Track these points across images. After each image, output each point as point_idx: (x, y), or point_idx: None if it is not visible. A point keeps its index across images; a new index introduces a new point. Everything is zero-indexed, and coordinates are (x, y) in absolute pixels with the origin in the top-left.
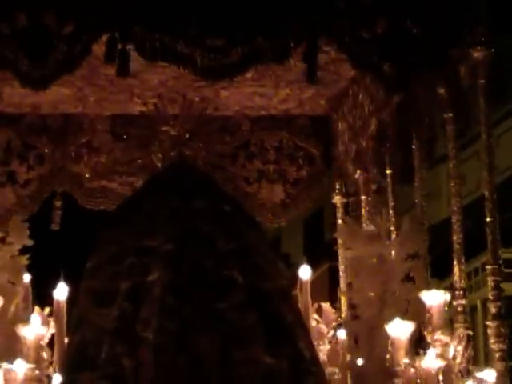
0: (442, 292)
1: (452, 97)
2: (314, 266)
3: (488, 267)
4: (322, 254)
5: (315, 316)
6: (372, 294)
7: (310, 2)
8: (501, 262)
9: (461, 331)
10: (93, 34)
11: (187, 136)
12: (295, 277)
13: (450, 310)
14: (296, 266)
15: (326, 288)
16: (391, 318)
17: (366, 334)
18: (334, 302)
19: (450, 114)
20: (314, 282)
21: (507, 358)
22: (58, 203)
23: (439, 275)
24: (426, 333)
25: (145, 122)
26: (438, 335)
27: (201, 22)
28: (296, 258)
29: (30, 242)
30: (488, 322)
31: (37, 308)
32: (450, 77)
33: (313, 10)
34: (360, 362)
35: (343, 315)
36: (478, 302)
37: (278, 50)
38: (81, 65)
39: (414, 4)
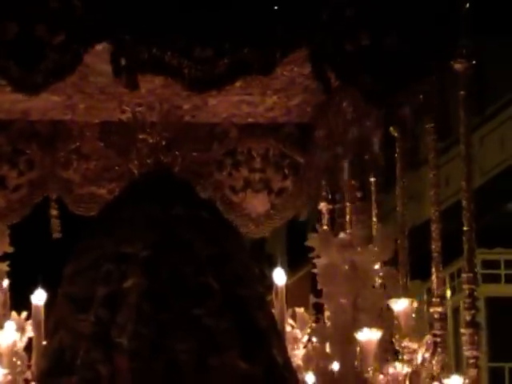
0: (409, 300)
1: (433, 108)
2: (297, 267)
3: (463, 275)
4: (305, 255)
5: (290, 321)
6: (344, 300)
7: (296, 14)
8: (476, 270)
9: (428, 337)
10: (82, 44)
11: (164, 144)
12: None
13: (428, 316)
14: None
15: (309, 289)
16: (363, 325)
17: (338, 341)
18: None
19: (431, 125)
20: (297, 283)
21: (480, 365)
22: (55, 212)
23: (421, 277)
24: (393, 340)
25: (125, 130)
26: (406, 342)
27: (188, 33)
28: (279, 259)
29: (10, 249)
30: (462, 330)
31: (13, 313)
32: (431, 88)
33: (298, 22)
34: (334, 367)
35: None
36: (449, 310)
37: (264, 62)
38: (72, 74)
39: (397, 17)
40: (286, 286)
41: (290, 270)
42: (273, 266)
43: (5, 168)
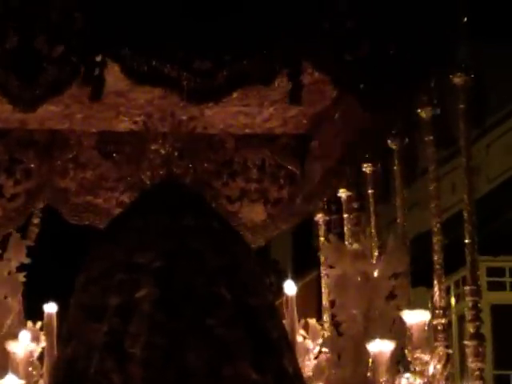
0: (422, 311)
1: (433, 120)
2: (302, 273)
3: (466, 288)
4: (310, 260)
5: (302, 332)
6: (356, 311)
7: (296, 24)
8: (479, 281)
9: (440, 349)
10: (82, 57)
11: (176, 154)
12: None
13: (431, 328)
14: (285, 273)
15: (315, 295)
16: (375, 336)
17: (350, 351)
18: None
19: (431, 137)
20: (302, 289)
21: (485, 374)
22: (36, 220)
23: (426, 283)
24: (406, 351)
25: (134, 140)
26: (418, 354)
27: (187, 45)
28: (285, 264)
29: (27, 260)
30: (466, 342)
31: (29, 323)
32: (431, 100)
33: (298, 32)
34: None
35: (326, 331)
36: (454, 317)
37: (263, 73)
38: (70, 87)
39: (397, 28)
40: None
41: (295, 277)
42: (277, 271)
43: (2, 177)
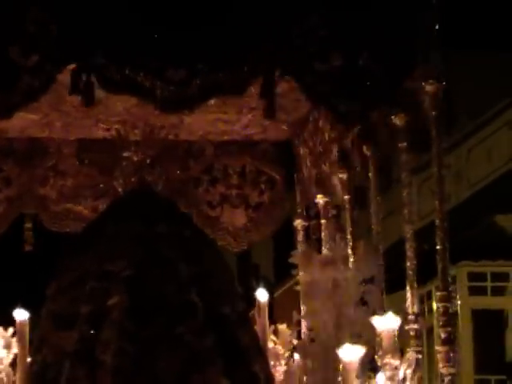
0: (392, 317)
1: (406, 127)
2: (284, 278)
3: (437, 293)
4: (292, 265)
5: (272, 337)
6: (326, 317)
7: (268, 34)
8: (450, 288)
9: (410, 355)
10: (56, 65)
11: (148, 162)
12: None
13: (407, 334)
14: (266, 278)
15: (297, 300)
16: (345, 342)
17: (320, 357)
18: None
19: (405, 144)
20: (284, 294)
21: (456, 382)
22: (29, 225)
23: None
24: (376, 356)
25: (107, 148)
26: (388, 359)
27: (161, 54)
28: (266, 269)
29: None
30: (437, 347)
31: (0, 329)
32: (404, 108)
33: (270, 42)
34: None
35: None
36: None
37: (236, 82)
38: (44, 94)
39: (368, 38)
40: (274, 297)
41: (277, 281)
42: (259, 276)
43: None
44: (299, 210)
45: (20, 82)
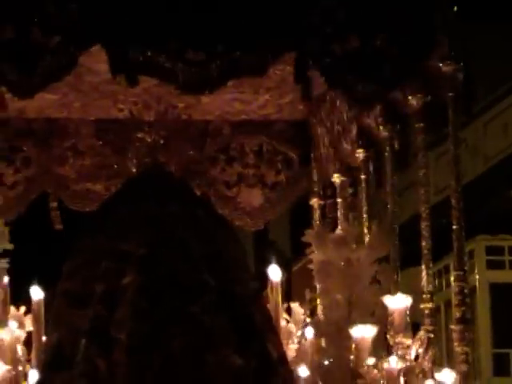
0: (404, 296)
1: (423, 108)
2: (301, 254)
3: (453, 273)
4: (306, 244)
5: (285, 316)
6: (339, 296)
7: (286, 16)
8: (466, 268)
9: (422, 334)
10: (78, 47)
11: (162, 142)
12: (283, 264)
13: (418, 312)
14: (283, 253)
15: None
16: (358, 321)
17: (333, 336)
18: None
19: (421, 124)
20: (301, 269)
21: (470, 361)
22: (54, 204)
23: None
24: (388, 335)
25: (122, 128)
26: (400, 338)
27: (181, 36)
28: (284, 245)
29: (10, 246)
30: (452, 326)
31: (12, 308)
32: (421, 89)
33: (288, 24)
34: (326, 361)
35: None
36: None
37: (256, 64)
38: (67, 75)
39: (385, 20)
40: (292, 272)
41: (294, 257)
42: (276, 252)
43: (2, 165)
44: (315, 189)
45: (42, 62)
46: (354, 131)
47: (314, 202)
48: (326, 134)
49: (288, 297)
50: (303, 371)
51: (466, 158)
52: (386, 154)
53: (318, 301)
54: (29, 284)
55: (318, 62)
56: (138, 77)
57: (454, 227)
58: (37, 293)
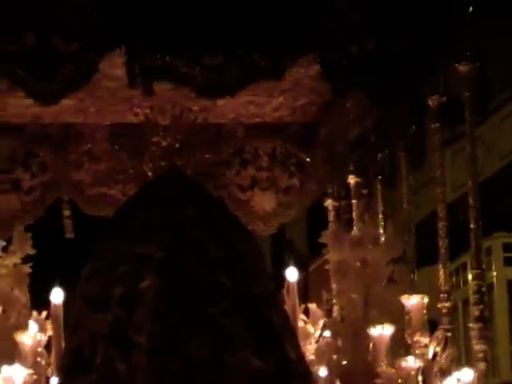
0: (421, 295)
1: (439, 108)
2: (317, 253)
3: (471, 271)
4: (323, 244)
5: (302, 317)
6: (356, 296)
7: (302, 20)
8: (483, 266)
9: (440, 332)
10: (98, 53)
11: (178, 146)
12: (300, 263)
13: (436, 312)
14: (300, 253)
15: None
16: (375, 320)
17: (351, 336)
18: None
19: (437, 124)
20: (319, 268)
21: (488, 359)
22: (67, 212)
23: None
24: (405, 335)
25: (137, 133)
26: (418, 337)
27: (198, 41)
28: (301, 244)
29: (32, 251)
30: (470, 324)
31: (34, 312)
32: (437, 89)
33: (304, 28)
34: (344, 362)
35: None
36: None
37: (272, 68)
38: (87, 82)
39: (400, 21)
40: (309, 272)
41: (311, 256)
42: (293, 252)
43: (18, 171)
44: (329, 190)
45: (62, 70)
46: (359, 133)
47: (329, 203)
48: (337, 137)
49: (305, 296)
50: (321, 371)
51: (483, 154)
52: (401, 154)
53: (334, 301)
54: (49, 288)
55: (336, 63)
56: (153, 85)
57: (471, 225)
58: (56, 297)
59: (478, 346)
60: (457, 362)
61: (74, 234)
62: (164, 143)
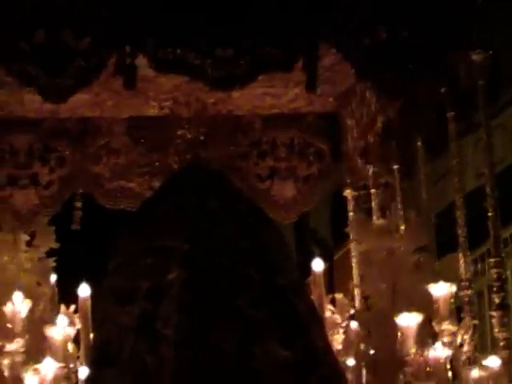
0: (448, 284)
1: (453, 97)
2: (341, 242)
3: (491, 260)
4: (348, 234)
5: (329, 307)
6: (383, 285)
7: (312, 11)
8: (503, 255)
9: (467, 320)
10: (108, 49)
11: (202, 138)
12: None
13: (457, 300)
14: (324, 241)
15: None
16: (401, 309)
17: (378, 325)
18: None
19: (452, 113)
20: (343, 257)
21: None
22: (79, 204)
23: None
24: (433, 323)
25: (161, 126)
26: (445, 325)
27: (209, 33)
28: (325, 233)
29: (56, 245)
30: (492, 312)
31: (62, 306)
32: (450, 78)
33: (315, 19)
34: (372, 351)
35: (356, 306)
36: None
37: (284, 59)
38: (98, 78)
39: (412, 10)
40: (333, 261)
41: (336, 245)
42: (317, 241)
43: (36, 165)
44: (348, 181)
45: (73, 66)
46: (379, 123)
47: (348, 193)
48: (356, 127)
49: (330, 285)
50: (349, 361)
51: (503, 142)
52: (419, 143)
53: (356, 291)
54: (76, 282)
55: (348, 53)
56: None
57: (490, 214)
58: (84, 290)
59: (499, 334)
60: (483, 351)
61: (80, 226)
62: (189, 136)
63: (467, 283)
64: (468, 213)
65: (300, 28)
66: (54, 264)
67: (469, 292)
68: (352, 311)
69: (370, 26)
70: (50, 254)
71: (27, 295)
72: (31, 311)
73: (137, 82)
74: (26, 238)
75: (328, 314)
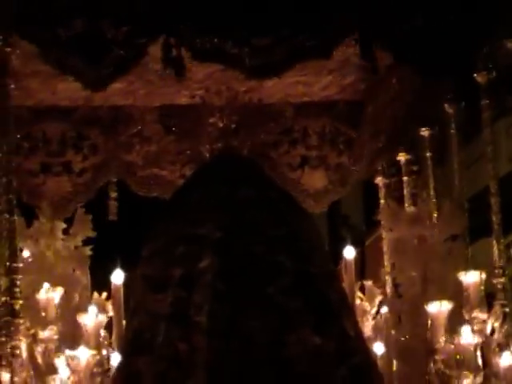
0: (478, 272)
1: (488, 84)
2: (373, 228)
3: None
4: (380, 222)
5: (359, 294)
6: (414, 273)
7: None
8: None
9: (498, 308)
10: (146, 38)
11: (233, 127)
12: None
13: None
14: (356, 227)
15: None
16: (433, 297)
17: (409, 312)
18: None
19: (487, 101)
20: (374, 244)
21: None
22: (114, 194)
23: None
24: (464, 311)
25: (192, 115)
26: (476, 313)
27: (246, 22)
28: (357, 219)
29: (92, 234)
30: None
31: (95, 293)
32: (486, 66)
33: (351, 6)
34: (402, 338)
35: (387, 293)
36: None
37: (320, 47)
38: (135, 66)
39: None
40: (365, 246)
41: (367, 230)
42: (349, 226)
43: (70, 153)
44: (379, 168)
45: (111, 55)
46: (408, 111)
47: (379, 180)
48: (385, 114)
49: (362, 270)
50: (379, 348)
51: None
52: (452, 131)
53: (387, 278)
54: (109, 270)
55: (385, 39)
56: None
57: None
58: (117, 278)
59: None
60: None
61: (116, 217)
62: (220, 124)
63: (500, 271)
64: (501, 198)
65: (336, 15)
66: (90, 253)
67: (502, 279)
68: (380, 298)
69: (407, 12)
70: (86, 242)
71: (63, 283)
72: (67, 299)
73: (185, 71)
74: (63, 225)
75: (357, 301)
